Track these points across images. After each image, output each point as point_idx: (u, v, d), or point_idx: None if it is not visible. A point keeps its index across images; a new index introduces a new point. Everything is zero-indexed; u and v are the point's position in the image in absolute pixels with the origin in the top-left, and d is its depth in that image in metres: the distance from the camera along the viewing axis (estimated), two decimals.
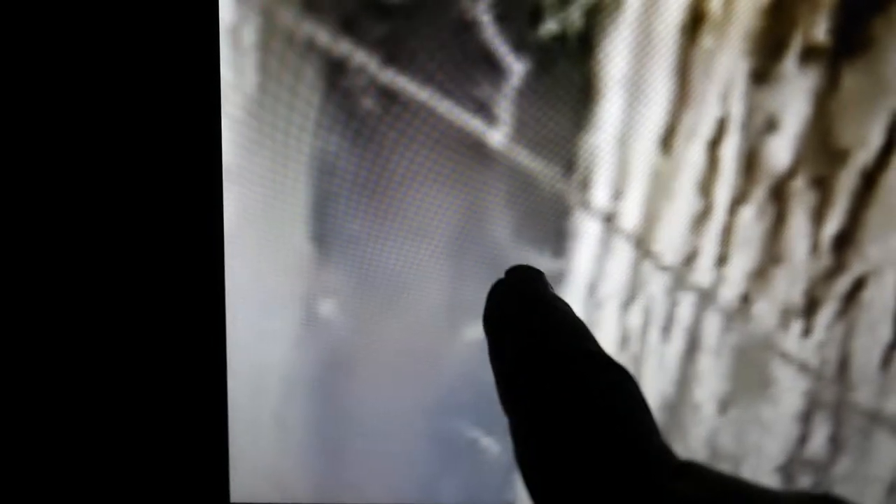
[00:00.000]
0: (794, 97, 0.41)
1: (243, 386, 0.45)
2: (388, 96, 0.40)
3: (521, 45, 0.40)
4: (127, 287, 0.42)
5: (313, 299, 0.43)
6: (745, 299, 0.44)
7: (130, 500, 0.46)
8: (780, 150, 0.42)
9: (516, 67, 0.40)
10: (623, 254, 0.43)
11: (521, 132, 0.41)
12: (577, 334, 0.22)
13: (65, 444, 0.45)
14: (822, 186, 0.42)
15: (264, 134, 0.41)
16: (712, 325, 0.45)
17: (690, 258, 0.43)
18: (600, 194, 0.42)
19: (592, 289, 0.44)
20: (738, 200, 0.42)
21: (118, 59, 0.39)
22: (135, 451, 0.45)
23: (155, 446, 0.45)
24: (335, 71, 0.40)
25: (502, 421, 0.44)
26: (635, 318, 0.44)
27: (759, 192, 0.42)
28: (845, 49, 0.40)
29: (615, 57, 0.40)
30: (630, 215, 0.43)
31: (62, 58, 0.39)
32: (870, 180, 0.42)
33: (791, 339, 0.45)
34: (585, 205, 0.42)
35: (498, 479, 0.47)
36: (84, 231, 0.41)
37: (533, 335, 0.22)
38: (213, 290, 0.43)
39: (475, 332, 0.44)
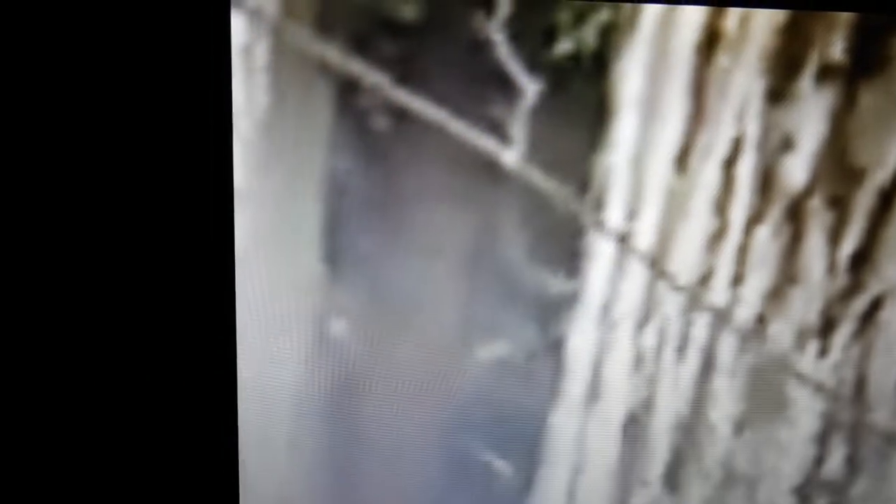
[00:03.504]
0: (811, 116, 0.41)
1: (254, 407, 0.45)
2: (401, 116, 0.40)
3: (534, 64, 0.40)
4: (139, 308, 0.43)
5: (325, 319, 0.43)
6: (761, 319, 0.44)
7: None
8: (796, 170, 0.41)
9: (530, 87, 0.40)
10: (637, 274, 0.43)
11: (535, 152, 0.41)
12: None
13: (74, 465, 0.45)
14: (839, 205, 0.42)
15: (276, 154, 0.41)
16: (727, 346, 0.44)
17: (705, 278, 0.43)
18: (614, 214, 0.42)
19: (607, 309, 0.44)
20: (753, 220, 0.42)
21: (131, 81, 0.39)
22: (145, 472, 0.45)
23: (163, 467, 0.45)
24: (347, 90, 0.40)
25: (516, 443, 0.44)
26: (650, 338, 0.44)
27: (775, 212, 0.42)
28: (862, 68, 0.40)
29: (630, 76, 0.40)
30: (644, 235, 0.42)
31: (76, 81, 0.39)
32: (887, 199, 0.42)
33: (807, 360, 0.45)
34: (599, 225, 0.42)
35: (511, 501, 0.47)
36: (98, 250, 0.41)
37: None
38: (224, 311, 0.43)
39: (488, 352, 0.44)
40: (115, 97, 0.40)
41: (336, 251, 0.42)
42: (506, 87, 0.40)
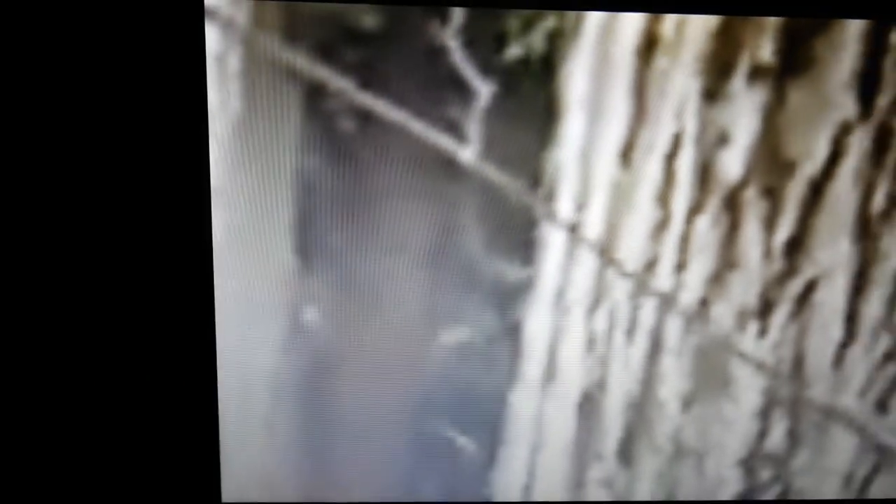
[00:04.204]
0: (744, 113, 0.43)
1: (233, 390, 0.47)
2: (365, 118, 0.43)
3: (487, 68, 0.42)
4: (122, 299, 0.44)
5: (298, 308, 0.45)
6: (704, 303, 0.47)
7: (124, 502, 0.48)
8: (733, 163, 0.44)
9: (484, 89, 0.42)
10: (587, 262, 0.46)
11: (490, 149, 0.43)
12: None
13: (58, 448, 0.47)
14: (773, 196, 0.45)
15: (249, 154, 0.43)
16: (673, 328, 0.47)
17: (651, 265, 0.46)
18: (565, 206, 0.45)
19: (559, 295, 0.46)
20: (694, 210, 0.45)
21: (117, 88, 0.41)
22: (128, 453, 0.47)
23: (148, 449, 0.47)
24: (315, 95, 0.42)
25: (478, 421, 0.47)
26: (601, 322, 0.47)
27: (714, 202, 0.45)
28: (790, 68, 0.43)
29: (576, 78, 0.43)
30: (593, 225, 0.45)
31: (54, 80, 0.41)
32: (817, 189, 0.45)
33: (748, 340, 0.47)
34: (551, 216, 0.45)
35: (475, 476, 0.50)
36: (77, 246, 0.43)
37: None
38: (203, 301, 0.45)
39: (451, 337, 0.46)
40: (97, 102, 0.42)
41: (307, 244, 0.44)
42: (461, 89, 0.42)
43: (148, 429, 0.47)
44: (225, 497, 0.49)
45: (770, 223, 0.45)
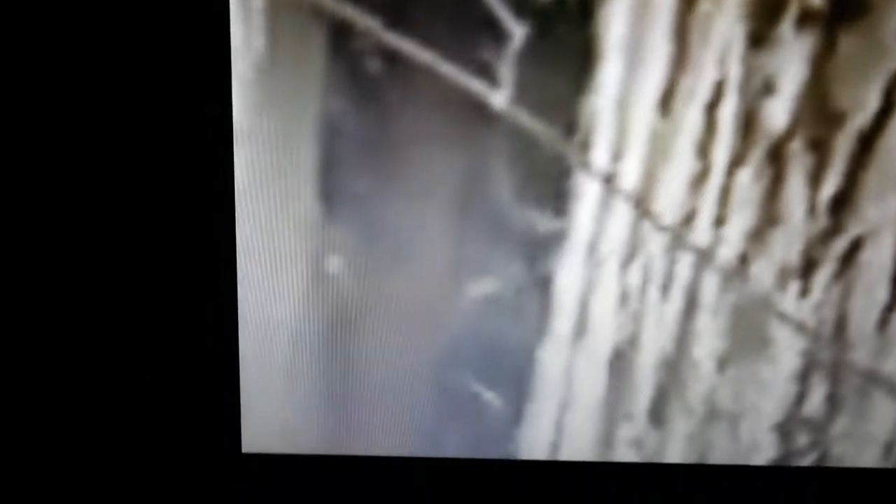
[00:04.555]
0: (791, 60, 0.42)
1: (254, 341, 0.46)
2: (392, 59, 0.41)
3: (521, 8, 0.41)
4: (142, 246, 0.44)
5: (321, 256, 0.45)
6: (743, 259, 0.45)
7: (145, 452, 0.48)
8: (778, 113, 0.42)
9: (517, 31, 0.41)
10: (622, 214, 0.44)
11: (523, 94, 0.42)
12: None
13: (78, 399, 0.47)
14: (820, 148, 0.43)
15: (273, 95, 0.42)
16: (710, 285, 0.46)
17: (689, 218, 0.44)
18: (600, 155, 0.43)
19: (592, 248, 0.45)
20: (735, 162, 0.43)
21: (132, 21, 0.40)
22: (149, 404, 0.47)
23: (169, 399, 0.47)
24: (341, 34, 0.41)
25: (505, 376, 0.46)
26: (635, 276, 0.45)
27: (757, 154, 0.43)
28: (841, 13, 0.41)
29: (614, 20, 0.41)
30: (629, 176, 0.43)
31: (68, 15, 0.40)
32: (866, 142, 0.43)
33: (789, 300, 0.46)
34: (586, 166, 0.43)
35: (500, 432, 0.49)
36: (98, 192, 0.43)
37: None
38: (225, 249, 0.44)
39: (478, 289, 0.45)
40: (122, 37, 0.41)
41: (332, 190, 0.43)
42: (494, 30, 0.41)
43: (168, 379, 0.46)
44: (245, 448, 0.48)
45: (816, 177, 0.43)
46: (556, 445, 0.49)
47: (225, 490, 0.49)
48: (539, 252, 0.45)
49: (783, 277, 0.45)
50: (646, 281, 0.45)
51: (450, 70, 0.41)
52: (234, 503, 0.49)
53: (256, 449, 0.48)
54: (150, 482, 0.49)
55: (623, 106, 0.42)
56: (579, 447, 0.49)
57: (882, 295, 0.46)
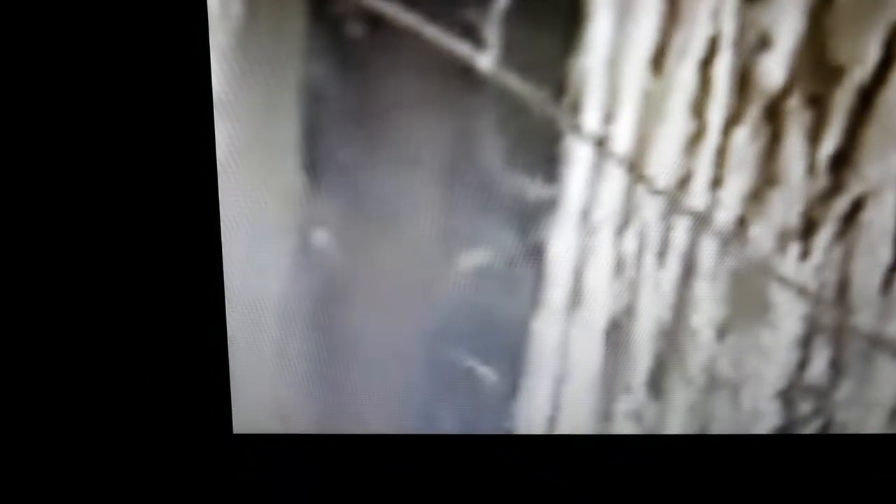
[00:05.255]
0: (787, 13, 0.40)
1: (242, 319, 0.45)
2: (375, 22, 0.40)
3: None
4: (124, 223, 0.43)
5: (307, 229, 0.43)
6: (741, 222, 0.44)
7: (134, 435, 0.47)
8: (774, 69, 0.41)
9: None
10: (616, 178, 0.43)
11: (510, 55, 0.41)
12: None
13: (68, 381, 0.46)
14: (818, 105, 0.42)
15: (253, 65, 0.41)
16: (708, 250, 0.44)
17: (684, 181, 0.43)
18: (591, 118, 0.42)
19: (586, 214, 0.44)
20: (731, 121, 0.42)
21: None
22: (138, 385, 0.46)
23: (158, 381, 0.46)
24: None
25: (499, 350, 0.45)
26: (630, 243, 0.44)
27: (753, 112, 0.42)
28: None
29: None
30: (622, 139, 0.42)
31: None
32: (867, 98, 0.42)
33: (789, 263, 0.45)
34: (576, 129, 0.42)
35: (496, 408, 0.47)
36: (78, 171, 0.42)
37: None
38: (208, 222, 0.43)
39: (469, 260, 0.44)
40: (90, 13, 0.40)
41: (316, 160, 0.42)
42: None
43: (156, 360, 0.45)
44: (236, 428, 0.47)
45: (815, 135, 0.42)
46: (553, 420, 0.48)
47: (217, 471, 0.48)
48: (531, 220, 0.44)
49: (783, 240, 0.44)
50: (641, 248, 0.44)
51: (434, 32, 0.40)
52: (227, 484, 0.48)
53: (247, 429, 0.47)
54: (141, 465, 0.48)
55: (613, 65, 0.41)
56: (577, 421, 0.48)
57: (885, 255, 0.45)
